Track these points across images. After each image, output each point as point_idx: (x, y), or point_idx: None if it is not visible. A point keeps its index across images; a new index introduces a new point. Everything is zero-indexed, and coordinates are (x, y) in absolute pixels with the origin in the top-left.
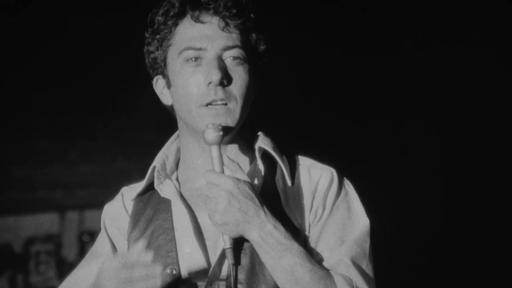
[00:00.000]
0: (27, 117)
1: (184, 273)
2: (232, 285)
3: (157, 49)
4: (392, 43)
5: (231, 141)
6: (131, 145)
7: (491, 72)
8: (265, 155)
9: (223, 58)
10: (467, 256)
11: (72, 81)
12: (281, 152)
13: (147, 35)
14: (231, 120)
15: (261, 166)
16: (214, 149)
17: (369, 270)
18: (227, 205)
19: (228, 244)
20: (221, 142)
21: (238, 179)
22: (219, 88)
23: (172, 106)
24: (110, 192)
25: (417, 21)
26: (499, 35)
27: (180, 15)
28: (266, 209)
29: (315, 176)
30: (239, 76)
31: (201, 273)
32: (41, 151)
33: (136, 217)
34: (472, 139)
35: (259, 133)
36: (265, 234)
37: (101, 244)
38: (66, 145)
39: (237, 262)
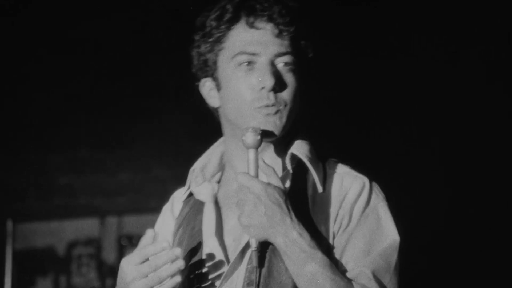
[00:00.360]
0: (70, 129)
1: (205, 269)
2: (256, 281)
3: (208, 52)
4: (399, 43)
5: (272, 145)
6: (166, 154)
7: (496, 72)
8: (300, 160)
9: (275, 63)
10: (467, 256)
11: (110, 94)
12: (317, 159)
13: (197, 37)
14: (280, 123)
15: (290, 171)
16: (251, 152)
17: (392, 285)
18: (253, 208)
19: (253, 246)
20: (259, 146)
21: (268, 184)
22: (271, 93)
23: (217, 108)
24: (146, 198)
25: (423, 21)
26: (506, 34)
27: (234, 20)
28: (293, 216)
29: (346, 185)
30: (290, 82)
31: (220, 270)
32: (83, 160)
33: (179, 220)
34: (474, 138)
35: (298, 140)
36: (289, 240)
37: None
38: (106, 155)
39: (261, 265)
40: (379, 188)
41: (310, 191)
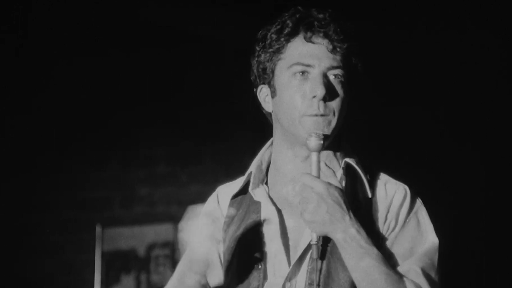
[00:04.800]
0: (149, 147)
1: (269, 269)
2: (316, 277)
3: (267, 61)
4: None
5: (324, 149)
6: (231, 168)
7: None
8: (348, 167)
9: (327, 75)
10: (468, 257)
11: (185, 119)
12: (363, 166)
13: (258, 48)
14: (328, 130)
15: (343, 177)
16: (314, 155)
17: (436, 281)
18: (316, 206)
19: (314, 241)
20: (321, 150)
21: (330, 184)
22: (322, 102)
23: (271, 113)
24: None
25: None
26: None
27: (293, 34)
28: (351, 215)
29: (390, 191)
30: (339, 93)
31: (283, 270)
32: (160, 174)
33: (230, 217)
34: (477, 138)
35: (345, 145)
36: (348, 236)
37: (196, 246)
38: (180, 169)
39: (322, 257)
40: (416, 194)
41: (359, 194)
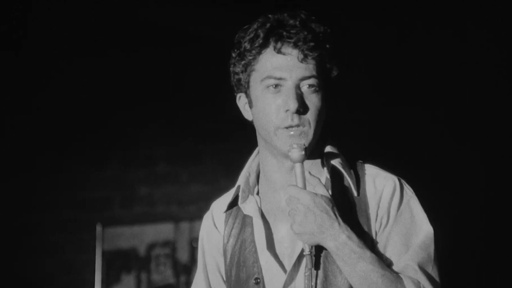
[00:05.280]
0: (149, 147)
1: (266, 280)
2: (313, 284)
3: (242, 72)
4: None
5: (307, 158)
6: (231, 168)
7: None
8: (334, 168)
9: (300, 86)
10: (468, 257)
11: (185, 118)
12: (348, 164)
13: (233, 55)
14: (305, 141)
15: (329, 181)
16: (298, 167)
17: (434, 273)
18: (304, 217)
19: (307, 251)
20: (304, 160)
21: (315, 194)
22: (295, 115)
23: (252, 122)
24: None
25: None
26: None
27: (264, 45)
28: (341, 221)
29: (379, 186)
30: (313, 103)
31: (279, 279)
32: (160, 174)
33: (228, 232)
34: (477, 138)
35: (329, 149)
36: (339, 244)
37: (198, 269)
38: (180, 169)
39: (316, 267)
40: (406, 184)
41: (347, 196)
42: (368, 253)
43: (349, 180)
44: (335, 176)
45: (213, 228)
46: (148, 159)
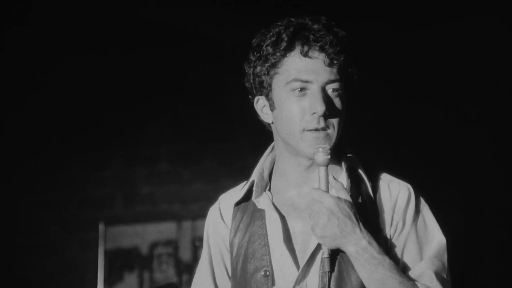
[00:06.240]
0: (151, 147)
1: (276, 274)
2: (327, 282)
3: (264, 74)
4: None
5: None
6: (232, 167)
7: None
8: (351, 171)
9: (326, 89)
10: (468, 257)
11: (187, 118)
12: (365, 169)
13: (253, 58)
14: (329, 143)
15: (348, 184)
16: (322, 170)
17: (448, 282)
18: (327, 221)
19: (326, 254)
20: (328, 164)
21: (339, 198)
22: (322, 118)
23: (270, 124)
24: None
25: None
26: None
27: (289, 48)
28: (362, 227)
29: (394, 192)
30: (338, 106)
31: (291, 275)
32: (162, 173)
33: (235, 225)
34: (477, 137)
35: (348, 152)
36: (360, 249)
37: (202, 261)
38: (181, 168)
39: (332, 269)
40: (418, 193)
41: (364, 199)
42: (387, 260)
43: (367, 184)
44: (353, 180)
45: (220, 221)
46: (150, 158)
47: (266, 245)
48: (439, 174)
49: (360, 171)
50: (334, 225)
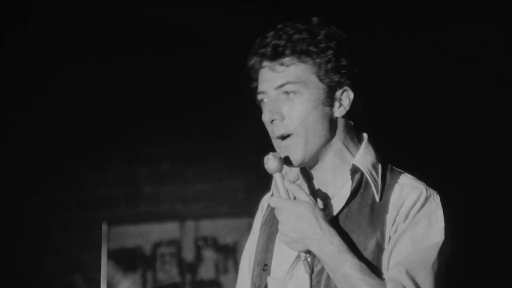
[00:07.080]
0: (154, 146)
1: (273, 269)
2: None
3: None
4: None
5: (320, 162)
6: (236, 167)
7: None
8: (356, 171)
9: (279, 95)
10: (468, 257)
11: (188, 117)
12: (378, 169)
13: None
14: (301, 147)
15: (349, 183)
16: (277, 176)
17: (427, 282)
18: (286, 226)
19: (303, 257)
20: (282, 169)
21: (295, 202)
22: (277, 125)
23: None
24: (219, 205)
25: None
26: None
27: (254, 63)
28: (323, 225)
29: (404, 195)
30: (294, 108)
31: (283, 271)
32: (165, 173)
33: (264, 216)
34: (477, 138)
35: (362, 151)
36: (322, 248)
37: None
38: (184, 168)
39: (311, 272)
40: (438, 197)
41: (370, 200)
42: (349, 258)
43: (372, 186)
44: (363, 180)
45: (260, 210)
46: (152, 158)
47: (274, 241)
48: (439, 174)
49: (366, 172)
50: (293, 228)
